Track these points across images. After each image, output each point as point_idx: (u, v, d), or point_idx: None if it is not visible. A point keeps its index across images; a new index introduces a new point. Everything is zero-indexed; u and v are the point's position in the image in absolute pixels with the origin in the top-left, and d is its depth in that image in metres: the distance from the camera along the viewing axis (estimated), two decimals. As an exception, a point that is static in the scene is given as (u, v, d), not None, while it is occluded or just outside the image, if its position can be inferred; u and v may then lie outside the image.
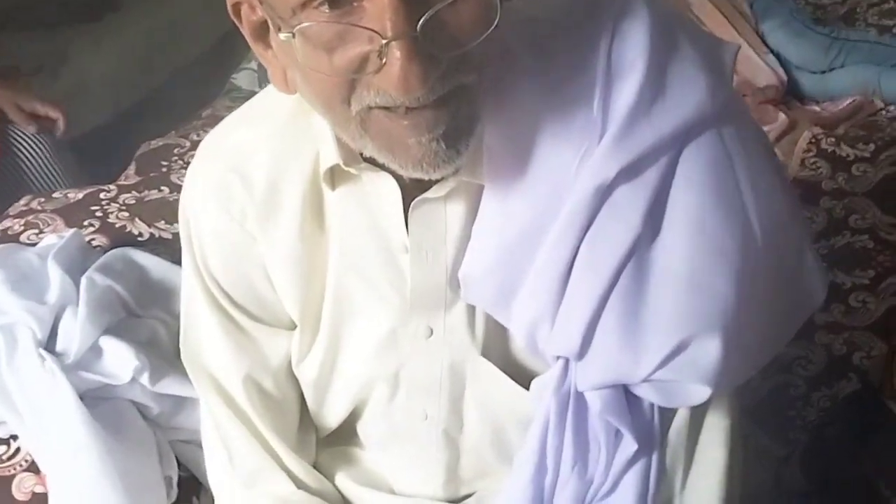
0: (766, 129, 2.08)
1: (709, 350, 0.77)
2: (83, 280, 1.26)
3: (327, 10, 0.65)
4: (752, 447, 1.46)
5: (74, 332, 1.21)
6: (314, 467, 1.05)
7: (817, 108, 2.26)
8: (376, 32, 0.64)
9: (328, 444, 1.08)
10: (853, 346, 1.56)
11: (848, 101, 2.22)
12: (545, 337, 0.81)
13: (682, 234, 0.76)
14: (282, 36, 0.68)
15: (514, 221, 0.79)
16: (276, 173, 0.87)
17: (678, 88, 0.77)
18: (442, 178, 0.79)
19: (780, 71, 2.33)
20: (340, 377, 0.97)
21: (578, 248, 0.77)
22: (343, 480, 1.07)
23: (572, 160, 0.76)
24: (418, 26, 0.64)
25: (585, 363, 0.81)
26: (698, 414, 0.88)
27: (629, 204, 0.76)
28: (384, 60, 0.65)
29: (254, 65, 2.57)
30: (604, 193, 0.76)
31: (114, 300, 1.28)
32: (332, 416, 1.03)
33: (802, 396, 1.50)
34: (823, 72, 2.35)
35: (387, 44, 0.64)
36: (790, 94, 2.31)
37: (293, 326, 0.96)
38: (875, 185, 1.88)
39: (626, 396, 0.83)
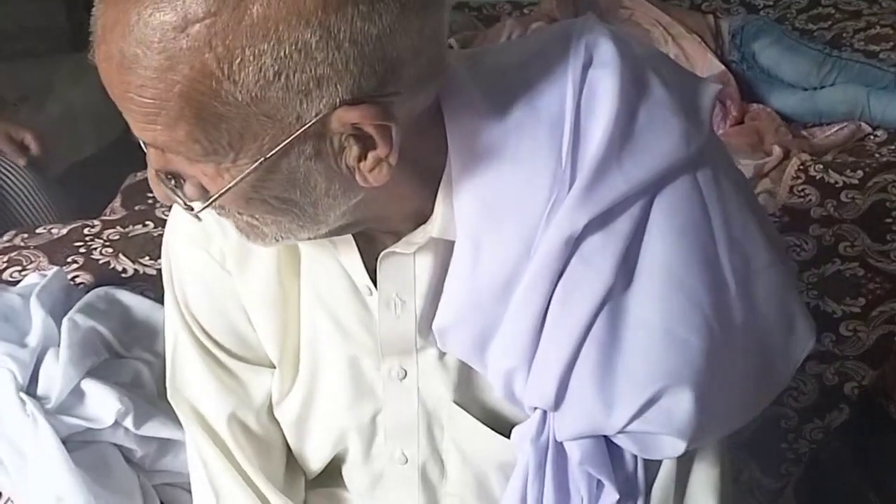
0: (760, 162, 2.08)
1: (681, 403, 0.76)
2: (65, 322, 1.25)
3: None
4: (744, 481, 1.45)
5: (56, 376, 1.19)
6: None
7: (805, 134, 2.27)
8: None
9: (316, 485, 1.07)
10: (845, 377, 1.55)
11: (837, 128, 2.22)
12: (521, 386, 0.81)
13: (655, 285, 0.75)
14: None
15: (486, 273, 0.78)
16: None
17: (650, 134, 0.75)
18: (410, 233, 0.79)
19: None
20: (318, 420, 0.97)
21: (550, 298, 0.76)
22: None
23: (542, 211, 0.75)
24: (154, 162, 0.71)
25: (562, 413, 0.80)
26: (685, 463, 0.87)
27: (600, 253, 0.75)
28: None
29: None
30: (574, 243, 0.75)
31: (96, 341, 1.27)
32: (313, 460, 1.02)
33: (794, 429, 1.49)
34: (815, 88, 2.36)
35: None
36: (781, 120, 2.31)
37: (274, 366, 0.96)
38: (864, 212, 1.88)
39: (607, 446, 0.82)
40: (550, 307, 0.77)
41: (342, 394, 0.93)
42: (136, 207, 1.94)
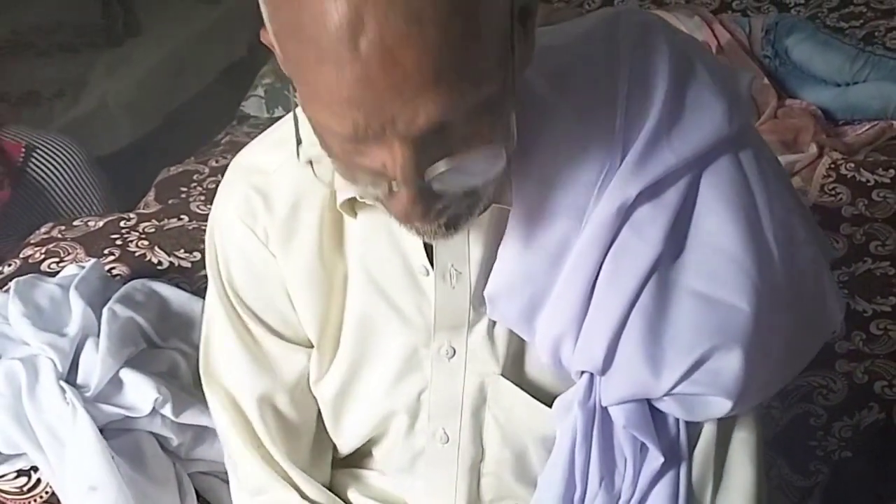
0: (792, 159, 2.07)
1: (729, 363, 0.79)
2: (104, 312, 1.27)
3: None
4: (773, 478, 1.45)
5: (95, 365, 1.22)
6: (329, 487, 1.06)
7: (836, 133, 2.25)
8: (386, 175, 0.68)
9: (344, 465, 1.09)
10: (874, 375, 1.55)
11: (869, 126, 2.21)
12: (569, 352, 0.83)
13: (702, 253, 0.79)
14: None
15: (539, 241, 0.81)
16: (295, 197, 0.89)
17: (697, 113, 0.79)
18: None
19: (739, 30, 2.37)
20: (361, 398, 0.98)
21: (601, 266, 0.79)
22: (357, 498, 1.07)
23: (594, 182, 0.79)
24: (425, 177, 0.67)
25: (609, 378, 0.83)
26: (725, 428, 0.89)
27: (650, 223, 0.78)
28: (393, 189, 0.68)
29: (260, 91, 2.59)
30: (625, 213, 0.78)
31: (134, 332, 1.29)
32: (350, 438, 1.03)
33: (823, 426, 1.48)
34: (847, 84, 2.34)
35: (395, 182, 0.68)
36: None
37: (311, 345, 0.97)
38: (895, 212, 1.87)
39: (650, 411, 0.84)
40: (600, 274, 0.80)
41: (389, 373, 0.94)
42: (170, 201, 1.97)
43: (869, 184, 1.95)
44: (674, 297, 0.79)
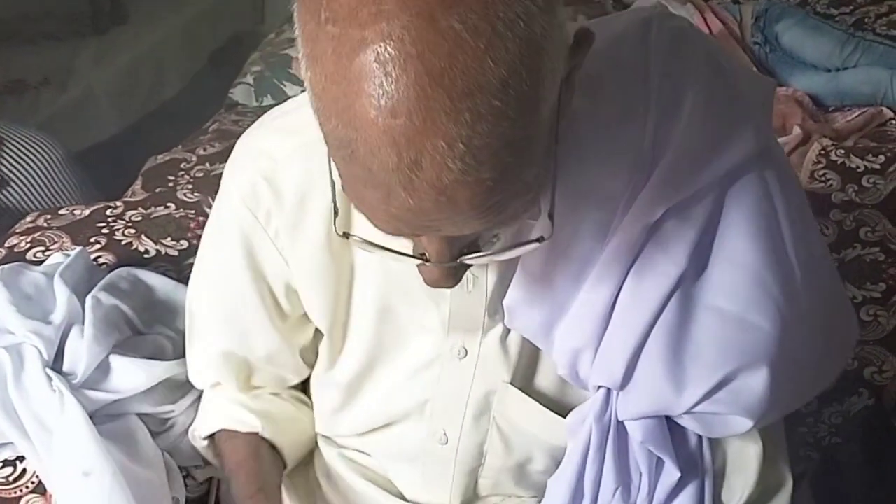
0: (782, 141, 2.07)
1: (752, 383, 0.78)
2: (88, 299, 1.25)
3: None
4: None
5: (81, 352, 1.20)
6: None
7: (826, 119, 2.25)
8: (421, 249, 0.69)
9: (340, 447, 1.10)
10: (865, 361, 1.55)
11: (859, 112, 2.21)
12: (587, 366, 0.82)
13: (727, 272, 0.78)
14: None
15: (561, 252, 0.80)
16: (305, 187, 0.88)
17: (727, 129, 0.77)
18: None
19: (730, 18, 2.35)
20: (376, 389, 0.99)
21: (624, 280, 0.78)
22: (353, 479, 1.08)
23: (620, 195, 0.77)
24: (458, 258, 0.68)
25: (627, 393, 0.82)
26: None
27: (676, 240, 0.77)
28: (426, 263, 0.69)
29: (249, 79, 2.58)
30: (651, 229, 0.77)
31: (119, 319, 1.28)
32: (356, 424, 1.04)
33: (814, 413, 1.49)
34: (837, 69, 2.34)
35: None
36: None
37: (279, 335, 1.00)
38: (885, 197, 1.87)
39: (668, 424, 0.84)
40: (623, 290, 0.79)
41: (406, 366, 0.95)
42: (157, 190, 1.95)
43: (859, 170, 1.95)
44: (697, 313, 0.78)
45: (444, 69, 0.55)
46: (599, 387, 0.84)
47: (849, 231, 1.80)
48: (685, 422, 0.83)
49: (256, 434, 1.04)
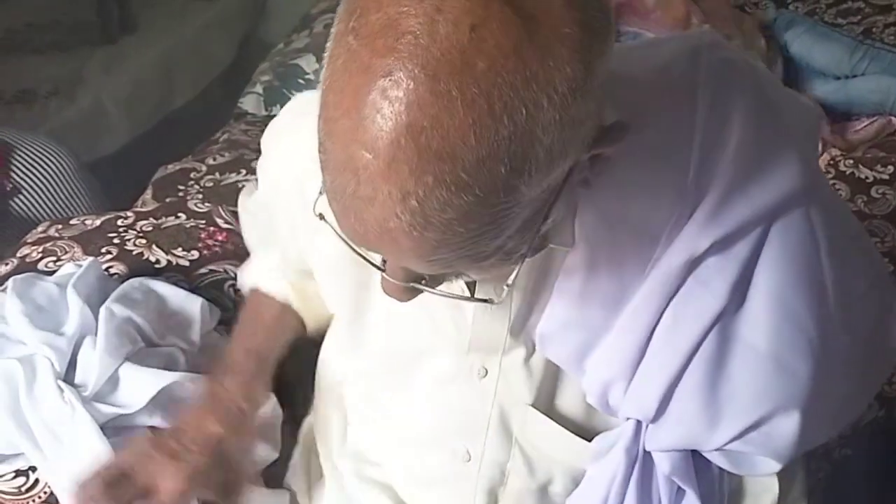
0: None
1: (785, 427, 0.78)
2: (102, 311, 1.26)
3: None
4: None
5: (93, 363, 1.21)
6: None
7: (836, 129, 2.25)
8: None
9: (359, 476, 1.09)
10: (875, 373, 1.54)
11: (868, 122, 2.21)
12: (618, 397, 0.82)
13: (766, 310, 0.76)
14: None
15: (599, 286, 0.79)
16: None
17: (774, 163, 0.76)
18: None
19: None
20: (394, 399, 0.99)
21: (661, 315, 0.77)
22: (353, 483, 1.09)
23: (663, 228, 0.76)
24: (412, 281, 0.70)
25: (658, 426, 0.82)
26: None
27: (717, 275, 0.76)
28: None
29: (259, 89, 2.58)
30: (693, 264, 0.76)
31: (132, 330, 1.28)
32: (380, 433, 1.05)
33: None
34: (846, 77, 2.34)
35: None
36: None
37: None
38: (895, 208, 1.87)
39: (692, 456, 0.83)
40: (660, 323, 0.78)
41: (420, 382, 0.94)
42: (167, 199, 1.96)
43: (868, 180, 1.95)
44: (735, 351, 0.77)
45: (425, 128, 0.56)
46: (629, 417, 0.84)
47: (858, 242, 1.80)
48: (713, 456, 0.82)
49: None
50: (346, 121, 0.58)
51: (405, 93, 0.56)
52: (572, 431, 0.90)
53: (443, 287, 0.73)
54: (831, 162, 2.00)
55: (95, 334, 1.25)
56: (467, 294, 0.82)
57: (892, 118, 2.22)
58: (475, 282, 0.81)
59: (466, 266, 0.66)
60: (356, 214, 0.61)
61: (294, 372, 1.24)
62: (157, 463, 0.96)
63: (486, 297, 0.75)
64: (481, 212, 0.59)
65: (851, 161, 1.99)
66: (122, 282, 1.40)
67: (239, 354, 1.08)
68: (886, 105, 2.25)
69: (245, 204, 1.18)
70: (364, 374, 1.00)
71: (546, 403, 0.91)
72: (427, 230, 0.59)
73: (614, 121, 0.67)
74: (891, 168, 1.97)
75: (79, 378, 1.22)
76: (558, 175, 0.63)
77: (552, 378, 0.89)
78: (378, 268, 0.70)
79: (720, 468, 0.85)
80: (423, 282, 0.71)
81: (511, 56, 0.56)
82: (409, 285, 0.70)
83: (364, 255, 0.68)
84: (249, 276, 1.19)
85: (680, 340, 0.77)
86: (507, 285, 0.70)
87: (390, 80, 0.56)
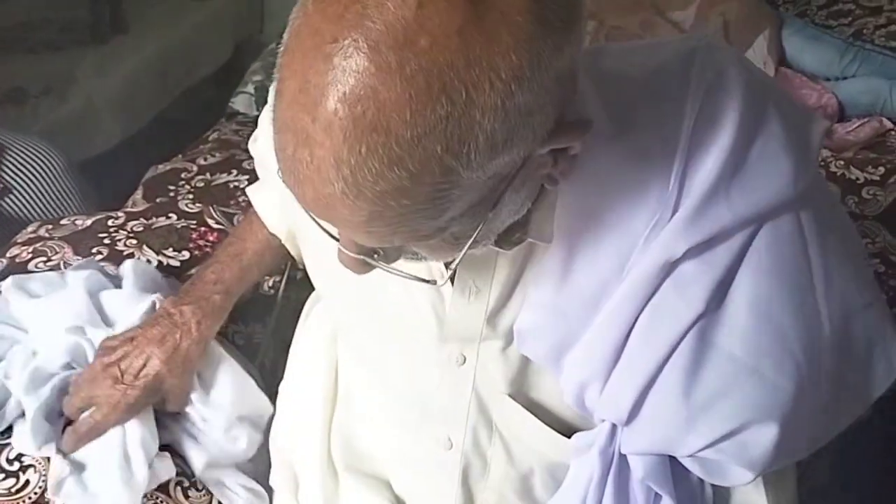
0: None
1: (760, 439, 0.76)
2: (127, 262, 1.35)
3: None
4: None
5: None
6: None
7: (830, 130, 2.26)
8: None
9: (352, 469, 1.11)
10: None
11: (858, 124, 2.21)
12: (594, 398, 0.81)
13: (745, 318, 0.75)
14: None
15: (577, 282, 0.78)
16: None
17: (761, 170, 0.75)
18: None
19: None
20: (376, 370, 1.01)
21: (637, 317, 0.77)
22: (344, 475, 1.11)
23: (642, 229, 0.75)
24: (365, 255, 0.71)
25: (632, 429, 0.81)
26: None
27: (694, 282, 0.75)
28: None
29: (250, 88, 2.58)
30: (670, 268, 0.75)
31: (158, 279, 1.35)
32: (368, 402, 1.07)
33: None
34: (837, 78, 2.34)
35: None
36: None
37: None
38: (885, 209, 1.88)
39: (671, 462, 0.83)
40: (636, 326, 0.77)
41: (400, 368, 0.95)
42: (158, 200, 1.95)
43: (859, 181, 1.95)
44: (711, 357, 0.76)
45: (361, 97, 0.57)
46: (604, 420, 0.83)
47: (849, 242, 1.80)
48: (687, 463, 0.82)
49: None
50: (291, 82, 0.60)
51: (346, 61, 0.57)
52: (551, 426, 0.90)
53: (400, 265, 0.74)
54: (822, 163, 2.01)
55: (99, 325, 1.26)
56: (445, 276, 0.82)
57: (884, 119, 2.23)
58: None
59: (407, 242, 0.67)
60: (295, 176, 0.62)
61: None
62: (100, 387, 1.11)
63: (430, 279, 0.76)
64: (415, 189, 0.60)
65: (842, 162, 2.00)
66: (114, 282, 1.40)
67: (208, 282, 1.17)
68: (877, 106, 2.25)
69: (253, 149, 1.22)
70: (354, 326, 1.00)
71: (524, 395, 0.91)
72: (359, 199, 0.60)
73: (576, 118, 0.67)
74: (881, 169, 1.97)
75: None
76: (507, 164, 0.63)
77: (530, 371, 0.89)
78: (333, 237, 0.71)
79: (700, 477, 0.84)
80: (377, 256, 0.72)
81: (454, 36, 0.56)
82: (361, 258, 0.71)
83: (319, 223, 0.69)
84: (255, 197, 1.24)
85: (655, 345, 0.76)
86: (448, 268, 0.71)
87: (334, 46, 0.57)
